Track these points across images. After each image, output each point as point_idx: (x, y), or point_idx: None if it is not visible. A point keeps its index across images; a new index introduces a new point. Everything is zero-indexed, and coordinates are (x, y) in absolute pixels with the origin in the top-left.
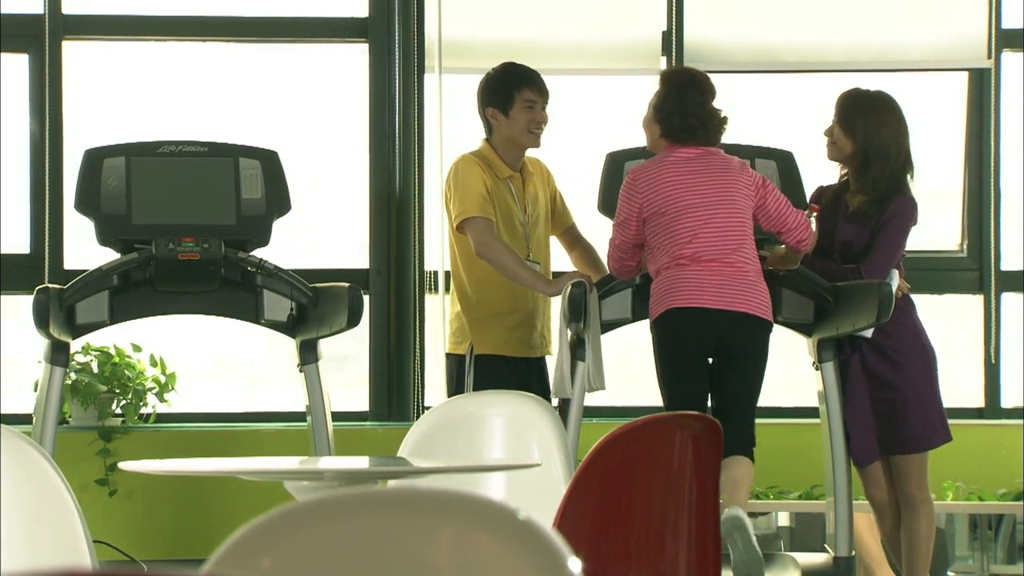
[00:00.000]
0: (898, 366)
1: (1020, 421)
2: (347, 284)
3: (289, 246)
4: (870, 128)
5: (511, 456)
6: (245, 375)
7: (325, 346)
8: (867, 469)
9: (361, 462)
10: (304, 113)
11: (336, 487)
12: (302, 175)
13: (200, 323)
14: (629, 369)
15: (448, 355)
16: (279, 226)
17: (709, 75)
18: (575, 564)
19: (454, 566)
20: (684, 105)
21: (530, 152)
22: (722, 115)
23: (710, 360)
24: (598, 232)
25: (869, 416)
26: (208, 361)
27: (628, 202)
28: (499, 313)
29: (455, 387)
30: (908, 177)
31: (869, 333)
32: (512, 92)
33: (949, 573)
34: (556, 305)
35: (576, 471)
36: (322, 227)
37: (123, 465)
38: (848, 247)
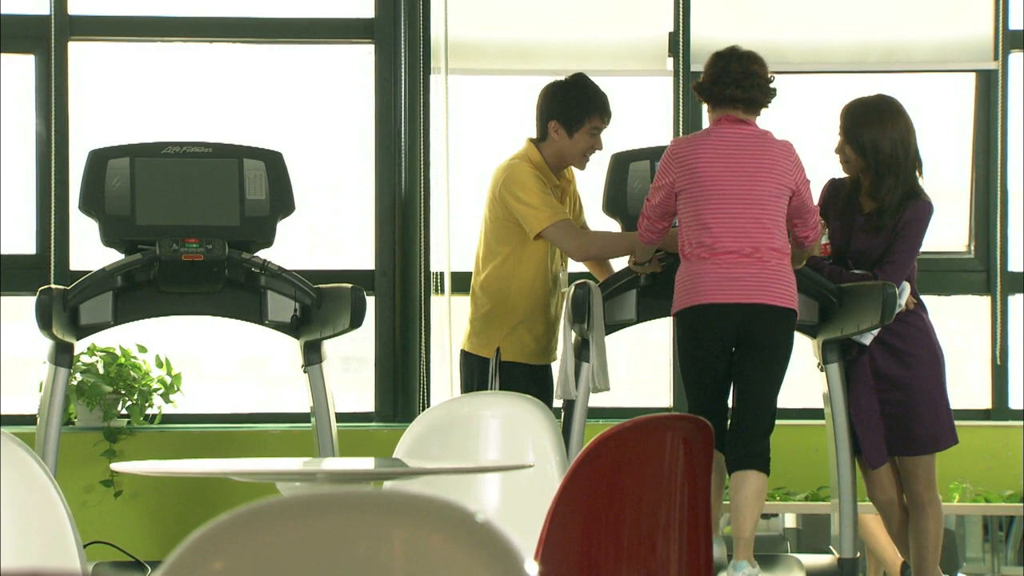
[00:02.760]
0: (909, 366)
1: None
2: (350, 285)
3: (294, 247)
4: (876, 139)
5: (506, 457)
6: (266, 376)
7: (340, 348)
8: (872, 472)
9: (355, 463)
10: (310, 114)
11: (327, 489)
12: (308, 176)
13: (221, 324)
14: (633, 370)
15: (468, 354)
16: (284, 227)
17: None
18: (532, 567)
19: (408, 568)
20: (721, 67)
21: None
22: (769, 77)
23: (733, 349)
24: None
25: (877, 417)
26: (230, 362)
27: (663, 173)
28: (528, 321)
29: (477, 388)
30: (918, 176)
31: (868, 339)
32: (583, 117)
33: (960, 575)
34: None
35: (566, 472)
36: (327, 228)
37: (115, 466)
38: (863, 256)
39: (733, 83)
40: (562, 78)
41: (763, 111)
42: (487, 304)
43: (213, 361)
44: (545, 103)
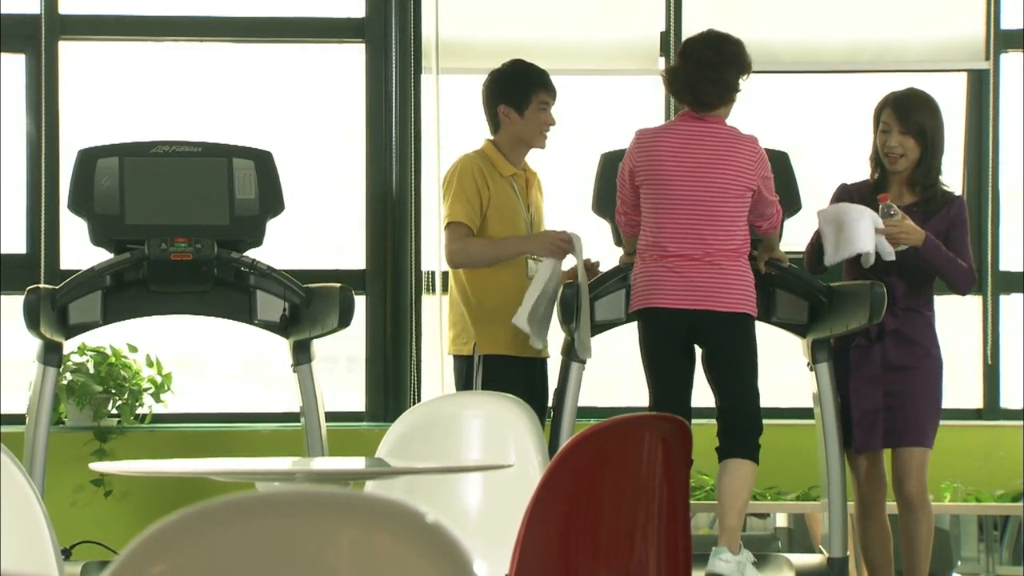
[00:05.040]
0: (917, 356)
1: (1019, 422)
2: (339, 284)
3: (285, 246)
4: (934, 124)
5: (488, 457)
6: (265, 376)
7: (343, 348)
8: (855, 461)
9: (336, 463)
10: (300, 114)
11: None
12: (298, 175)
13: (224, 324)
14: (625, 370)
15: (455, 356)
16: (273, 226)
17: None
18: (480, 567)
19: (356, 568)
20: (679, 65)
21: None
22: (725, 78)
23: (698, 352)
24: (593, 232)
25: (877, 409)
26: (234, 362)
27: (624, 163)
28: (501, 311)
29: (464, 388)
30: None
31: (890, 256)
32: (530, 93)
33: (954, 574)
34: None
35: (544, 472)
36: (318, 227)
37: (94, 466)
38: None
39: (684, 86)
40: (498, 67)
41: (745, 105)
42: (459, 303)
43: (217, 361)
44: (489, 92)
